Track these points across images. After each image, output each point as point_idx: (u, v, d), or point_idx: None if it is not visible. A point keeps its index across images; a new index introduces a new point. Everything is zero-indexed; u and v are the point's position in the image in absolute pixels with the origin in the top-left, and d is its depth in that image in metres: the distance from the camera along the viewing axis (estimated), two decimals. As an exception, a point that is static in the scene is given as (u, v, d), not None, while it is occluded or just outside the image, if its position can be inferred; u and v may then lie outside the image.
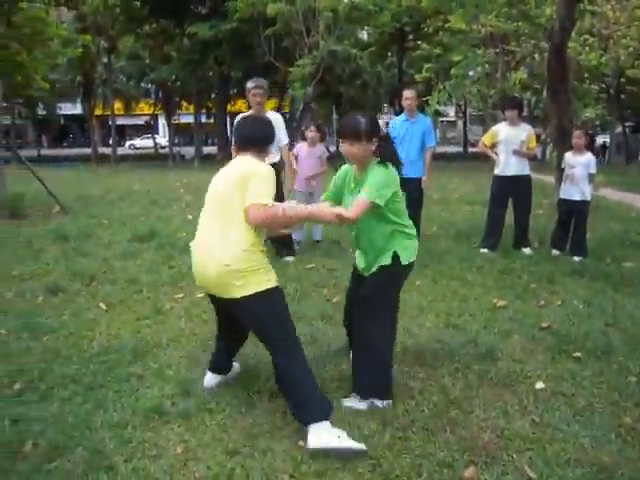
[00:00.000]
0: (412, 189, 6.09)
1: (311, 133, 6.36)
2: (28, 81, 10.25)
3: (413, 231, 2.94)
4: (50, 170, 18.16)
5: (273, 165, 5.33)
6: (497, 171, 6.09)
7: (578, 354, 3.38)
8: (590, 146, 6.00)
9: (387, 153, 2.83)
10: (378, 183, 2.70)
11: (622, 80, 22.12)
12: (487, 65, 13.58)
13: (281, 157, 5.70)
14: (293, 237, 6.25)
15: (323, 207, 2.89)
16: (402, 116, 6.29)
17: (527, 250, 5.99)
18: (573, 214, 5.83)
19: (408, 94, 6.10)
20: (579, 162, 5.73)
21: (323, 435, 2.43)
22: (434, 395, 2.91)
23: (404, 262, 2.82)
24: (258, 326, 2.65)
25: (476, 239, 6.44)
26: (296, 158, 6.32)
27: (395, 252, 2.80)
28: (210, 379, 3.02)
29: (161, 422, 2.68)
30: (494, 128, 6.27)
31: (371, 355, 2.80)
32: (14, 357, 3.40)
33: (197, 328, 3.84)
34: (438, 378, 3.09)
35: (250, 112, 5.39)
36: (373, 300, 2.82)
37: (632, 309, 4.19)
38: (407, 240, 2.87)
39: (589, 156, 5.77)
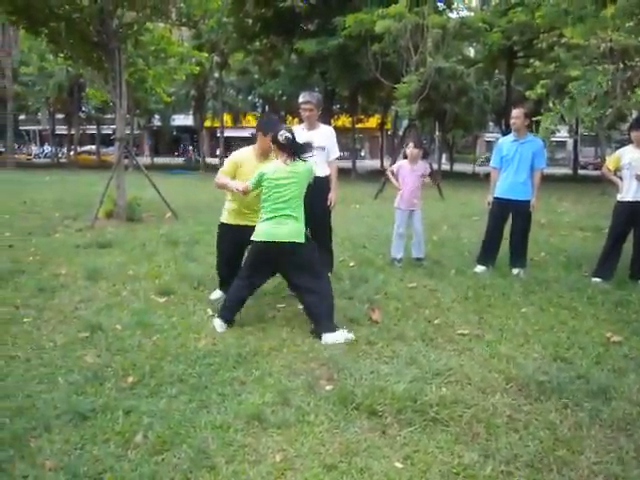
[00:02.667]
0: (520, 212, 5.87)
1: (409, 150, 6.31)
2: (149, 95, 11.02)
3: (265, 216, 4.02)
4: (163, 177, 19.33)
5: (321, 178, 5.24)
6: (619, 196, 5.72)
7: None
8: None
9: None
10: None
11: None
12: (605, 83, 12.82)
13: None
14: (392, 255, 6.24)
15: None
16: (510, 136, 6.08)
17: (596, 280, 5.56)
18: None
19: (515, 113, 5.89)
20: None
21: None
22: (540, 430, 2.76)
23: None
24: None
25: (587, 267, 6.07)
26: (397, 177, 6.33)
27: None
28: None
29: (261, 428, 2.75)
30: (619, 151, 5.89)
31: None
32: (128, 352, 3.62)
33: (298, 339, 3.90)
34: (544, 413, 2.93)
35: (301, 125, 5.51)
36: None
37: None
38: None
39: None
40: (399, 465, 2.46)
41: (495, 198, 6.03)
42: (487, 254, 6.09)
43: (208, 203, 12.08)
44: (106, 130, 39.44)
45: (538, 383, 3.22)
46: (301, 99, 5.40)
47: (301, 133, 5.49)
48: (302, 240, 4.01)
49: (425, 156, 6.53)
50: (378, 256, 6.42)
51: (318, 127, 5.45)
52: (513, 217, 5.98)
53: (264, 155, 4.50)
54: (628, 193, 5.59)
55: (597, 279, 5.64)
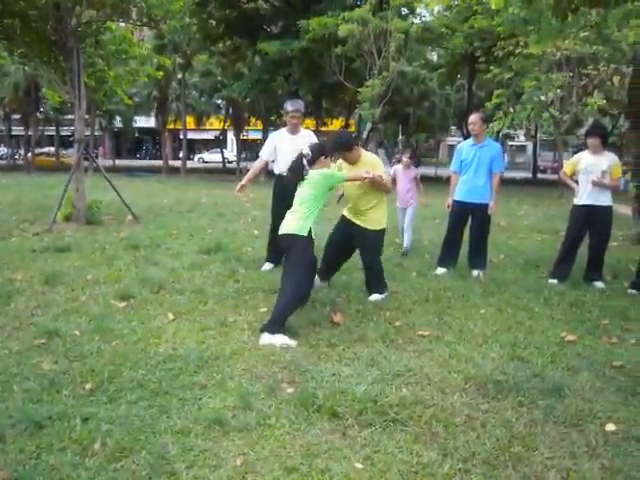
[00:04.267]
0: (479, 215, 5.99)
1: (406, 159, 7.52)
2: (110, 96, 10.82)
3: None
4: (124, 180, 19.01)
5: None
6: (575, 200, 5.89)
7: (654, 397, 3.20)
8: None
9: None
10: None
11: None
12: (560, 90, 13.24)
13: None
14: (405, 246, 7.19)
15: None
16: (469, 140, 6.21)
17: (599, 284, 5.74)
18: None
19: (472, 119, 6.02)
20: None
21: None
22: (496, 428, 2.83)
23: None
24: None
25: (544, 269, 6.25)
26: (394, 179, 7.23)
27: None
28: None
29: (222, 433, 2.73)
30: (576, 156, 6.08)
31: None
32: (86, 358, 3.55)
33: (260, 342, 3.89)
34: (501, 411, 3.01)
35: (284, 129, 6.06)
36: None
37: None
38: None
39: None
40: (359, 466, 2.48)
41: (455, 201, 6.15)
42: (447, 256, 6.20)
43: (170, 206, 11.96)
44: (65, 131, 38.58)
45: (495, 382, 3.30)
46: (290, 107, 5.85)
47: (285, 137, 5.91)
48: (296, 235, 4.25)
49: (417, 164, 7.82)
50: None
51: (300, 131, 5.96)
52: (472, 220, 6.11)
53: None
54: (583, 197, 5.77)
55: (553, 280, 5.81)
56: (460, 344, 3.94)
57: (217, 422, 2.80)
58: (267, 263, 6.05)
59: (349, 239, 5.03)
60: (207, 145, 49.57)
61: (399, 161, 7.82)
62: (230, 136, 44.33)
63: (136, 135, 49.87)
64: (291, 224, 4.29)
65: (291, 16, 21.48)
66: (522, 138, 42.85)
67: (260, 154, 6.12)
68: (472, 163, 6.00)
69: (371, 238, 4.91)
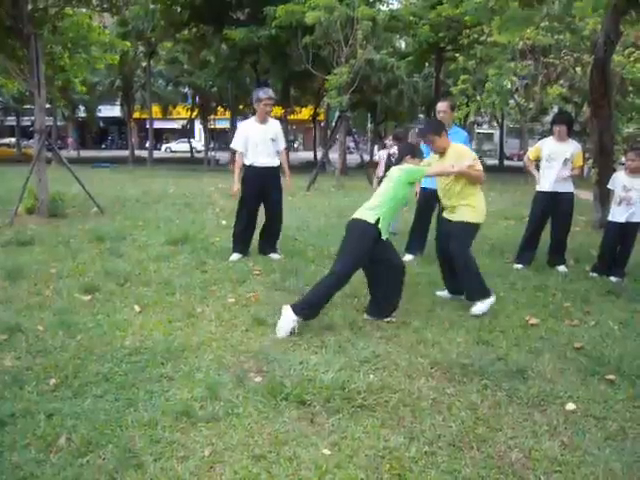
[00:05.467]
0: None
1: (389, 141, 7.79)
2: (68, 84, 10.52)
3: None
4: (89, 171, 18.65)
5: (275, 168, 5.72)
6: (538, 187, 6.00)
7: (611, 377, 3.30)
8: None
9: None
10: None
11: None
12: (524, 78, 13.43)
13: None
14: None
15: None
16: None
17: (562, 268, 5.88)
18: (624, 236, 5.63)
19: (441, 107, 6.05)
20: (636, 185, 5.49)
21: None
22: (462, 411, 2.89)
23: None
24: None
25: (510, 255, 6.36)
26: (377, 164, 7.71)
27: None
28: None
29: (189, 424, 2.73)
30: (539, 143, 6.17)
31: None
32: (50, 353, 3.49)
33: (227, 333, 3.88)
34: (466, 394, 3.07)
35: (253, 119, 6.02)
36: None
37: (670, 332, 4.08)
38: None
39: None
40: (327, 452, 2.51)
41: (423, 188, 6.21)
42: (415, 243, 6.26)
43: (137, 197, 11.78)
44: (26, 121, 37.53)
45: (461, 366, 3.37)
46: (264, 95, 5.80)
47: (255, 127, 5.86)
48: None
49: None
50: (309, 247, 6.46)
51: (268, 121, 5.93)
52: (439, 206, 6.16)
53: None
54: (546, 184, 5.88)
55: (518, 265, 5.92)
56: (427, 329, 3.99)
57: (185, 413, 2.79)
58: (235, 254, 6.02)
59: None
60: (174, 135, 48.91)
61: (384, 146, 8.01)
62: (198, 125, 43.81)
63: (101, 125, 48.92)
64: (360, 212, 4.20)
65: (257, 3, 21.21)
66: (487, 125, 43.39)
67: (234, 146, 6.00)
68: None
69: (457, 228, 4.53)
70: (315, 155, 34.18)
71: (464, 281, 4.54)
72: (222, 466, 2.42)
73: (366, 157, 23.91)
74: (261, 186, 5.90)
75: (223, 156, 32.59)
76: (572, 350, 3.72)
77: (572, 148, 5.81)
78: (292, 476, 2.35)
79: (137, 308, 4.35)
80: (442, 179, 4.62)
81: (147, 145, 30.51)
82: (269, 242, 6.18)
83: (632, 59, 13.72)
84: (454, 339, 3.83)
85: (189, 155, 38.91)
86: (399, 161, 4.42)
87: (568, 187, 5.85)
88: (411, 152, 4.43)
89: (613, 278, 5.55)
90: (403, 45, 29.74)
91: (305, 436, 2.64)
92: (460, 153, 4.50)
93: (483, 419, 2.82)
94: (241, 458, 2.47)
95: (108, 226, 7.83)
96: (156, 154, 32.53)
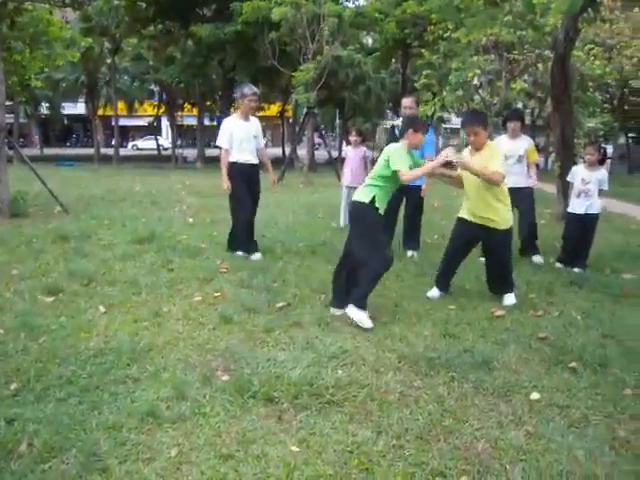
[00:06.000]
0: (412, 197, 6.10)
1: (353, 137, 7.73)
2: (24, 79, 10.21)
3: None
4: (53, 169, 18.23)
5: (253, 166, 5.69)
6: None
7: (574, 365, 3.38)
8: (602, 161, 5.83)
9: None
10: None
11: (625, 91, 22.15)
12: (488, 73, 13.62)
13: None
14: (341, 224, 7.54)
15: None
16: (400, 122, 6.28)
17: (537, 258, 5.96)
18: (583, 228, 5.77)
19: (406, 102, 6.09)
20: (593, 178, 5.65)
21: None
22: (429, 404, 2.91)
23: None
24: None
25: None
26: (343, 160, 7.75)
27: None
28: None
29: (156, 425, 2.69)
30: (495, 141, 6.24)
31: None
32: (11, 357, 3.40)
33: (194, 331, 3.84)
34: (433, 387, 3.10)
35: (235, 115, 5.99)
36: None
37: (630, 321, 4.19)
38: None
39: (603, 172, 5.70)
40: (295, 449, 2.50)
41: None
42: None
43: (102, 195, 11.56)
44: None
45: (428, 359, 3.39)
46: (249, 91, 5.81)
47: (239, 124, 5.82)
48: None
49: (363, 141, 7.93)
50: (277, 244, 6.44)
51: (249, 119, 5.91)
52: (406, 202, 6.22)
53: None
54: (507, 180, 5.94)
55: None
56: (394, 324, 4.02)
57: (151, 414, 2.75)
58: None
59: (473, 243, 4.82)
60: (141, 132, 48.11)
61: (349, 142, 8.01)
62: (164, 122, 43.20)
63: (65, 122, 47.84)
64: (358, 191, 4.25)
65: (224, -1, 21.02)
66: (455, 121, 43.81)
67: (220, 144, 5.89)
68: None
69: (500, 239, 4.58)
70: (283, 151, 34.04)
71: (503, 282, 4.69)
72: (189, 467, 2.39)
73: (334, 153, 23.94)
74: (246, 183, 5.84)
75: (191, 153, 32.22)
76: (536, 340, 3.79)
77: (525, 144, 5.95)
78: (260, 474, 2.34)
79: (102, 308, 4.27)
80: (473, 179, 4.45)
81: (113, 143, 29.95)
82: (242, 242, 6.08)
83: (592, 56, 14.05)
84: (421, 333, 3.87)
85: (156, 153, 38.34)
86: (401, 134, 4.28)
87: (526, 182, 5.95)
88: (414, 126, 4.24)
89: (576, 269, 5.68)
90: (370, 41, 29.87)
91: (273, 434, 2.63)
92: (491, 154, 4.44)
93: (450, 411, 2.86)
94: (208, 458, 2.45)
95: (72, 225, 7.66)
96: (122, 152, 31.97)
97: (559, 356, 3.51)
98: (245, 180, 5.83)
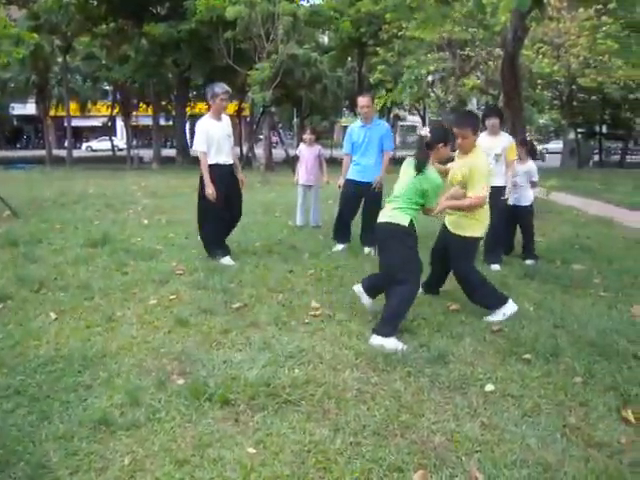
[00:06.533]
0: (372, 193, 6.13)
1: (307, 135, 7.87)
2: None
3: None
4: (2, 174, 17.61)
5: (230, 166, 5.58)
6: None
7: (527, 356, 3.45)
8: (532, 154, 6.24)
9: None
10: None
11: (573, 88, 22.85)
12: (442, 70, 13.84)
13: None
14: (297, 223, 7.65)
15: None
16: (359, 122, 6.30)
17: (530, 261, 5.96)
18: (515, 219, 6.05)
19: (363, 101, 6.10)
20: (521, 171, 5.98)
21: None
22: (386, 400, 2.93)
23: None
24: None
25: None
26: (298, 158, 7.84)
27: None
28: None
29: (108, 433, 2.62)
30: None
31: None
32: (-45, 368, 3.26)
33: (149, 335, 3.76)
34: (390, 383, 3.12)
35: (208, 116, 5.69)
36: None
37: (579, 311, 4.32)
38: None
39: (530, 164, 6.04)
40: (252, 450, 2.48)
41: (348, 180, 6.26)
42: (342, 233, 6.33)
43: (54, 199, 11.23)
44: None
45: (385, 355, 3.41)
46: (220, 90, 5.58)
47: (214, 124, 5.60)
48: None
49: (317, 139, 8.09)
50: (233, 244, 6.37)
51: (222, 118, 5.73)
52: (365, 198, 6.24)
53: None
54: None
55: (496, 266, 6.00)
56: (351, 321, 4.03)
57: (103, 422, 2.68)
58: (228, 257, 5.73)
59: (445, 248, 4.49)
60: (95, 133, 46.99)
61: (303, 141, 8.09)
62: (119, 123, 42.29)
63: (15, 123, 46.31)
64: (389, 212, 3.89)
65: (178, -3, 20.69)
66: (410, 118, 44.39)
67: (198, 148, 5.60)
68: (363, 144, 6.11)
69: (458, 246, 4.32)
70: (241, 150, 33.77)
71: (479, 299, 4.27)
72: (143, 474, 2.34)
73: (292, 152, 23.91)
74: (225, 185, 5.64)
75: (147, 154, 31.64)
76: (491, 333, 3.86)
77: (503, 142, 5.77)
78: (217, 478, 2.31)
79: (53, 315, 4.14)
80: (447, 185, 4.24)
81: (66, 144, 29.15)
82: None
83: (540, 54, 14.43)
84: (378, 329, 3.88)
85: (111, 154, 37.51)
86: (430, 147, 3.87)
87: (500, 182, 5.95)
88: (444, 139, 3.92)
89: (528, 261, 5.82)
90: (326, 40, 29.92)
91: (229, 436, 2.59)
92: (475, 163, 4.10)
93: (407, 406, 2.88)
94: (163, 464, 2.40)
95: (22, 230, 7.41)
96: (76, 153, 31.13)
97: (513, 348, 3.58)
98: (224, 182, 5.64)
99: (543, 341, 3.65)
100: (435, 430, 2.67)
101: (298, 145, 8.47)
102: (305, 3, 21.89)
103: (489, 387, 3.08)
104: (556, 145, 36.39)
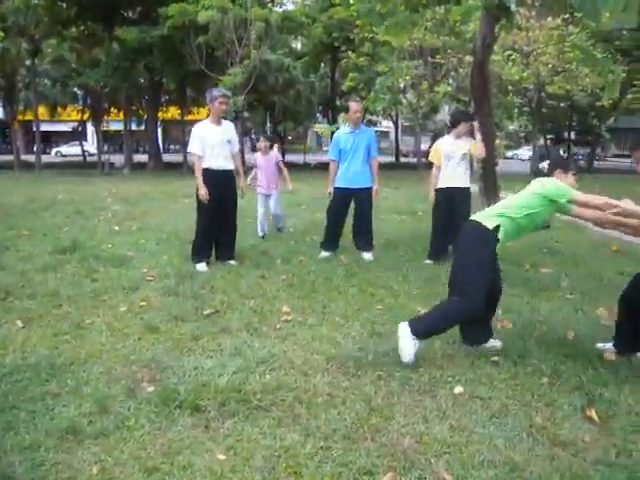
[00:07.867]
0: (363, 199, 6.17)
1: (261, 143, 7.59)
2: None
3: None
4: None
5: (227, 172, 5.54)
6: (438, 185, 6.17)
7: (496, 358, 3.50)
8: None
9: None
10: None
11: (542, 95, 23.33)
12: (412, 77, 14.01)
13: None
14: (259, 233, 7.31)
15: None
16: (346, 128, 6.30)
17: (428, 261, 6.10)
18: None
19: (354, 107, 6.09)
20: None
21: None
22: (356, 404, 2.95)
23: None
24: None
25: (403, 248, 6.58)
26: (252, 168, 7.57)
27: None
28: None
29: (76, 442, 2.58)
30: (437, 144, 6.30)
31: None
32: None
33: (118, 343, 3.72)
34: (361, 387, 3.13)
35: (207, 121, 5.72)
36: None
37: (547, 313, 4.41)
38: None
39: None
40: (222, 457, 2.47)
41: (337, 188, 6.24)
42: (332, 241, 6.31)
43: (22, 205, 11.02)
44: None
45: (356, 359, 3.43)
46: (218, 93, 5.61)
47: (211, 129, 5.58)
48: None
49: (272, 146, 7.76)
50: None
51: (222, 122, 5.70)
52: (356, 203, 6.27)
53: None
54: (444, 180, 6.09)
55: (428, 261, 6.10)
56: (322, 326, 4.05)
57: (71, 431, 2.64)
58: (203, 264, 5.70)
59: None
60: (65, 137, 46.23)
61: (255, 149, 8.00)
62: (90, 128, 41.70)
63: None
64: (481, 214, 3.63)
65: (149, 1, 20.53)
66: (384, 124, 44.78)
67: (193, 151, 5.61)
68: (351, 150, 6.12)
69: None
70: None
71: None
72: (111, 483, 2.32)
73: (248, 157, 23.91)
74: (218, 191, 5.58)
75: (118, 159, 31.28)
76: (459, 335, 3.90)
77: (467, 142, 5.97)
78: (186, 485, 2.30)
79: (20, 323, 4.06)
80: None
81: (35, 149, 28.63)
82: (227, 249, 5.92)
83: (510, 61, 14.71)
84: (349, 333, 3.91)
85: (82, 159, 36.97)
86: (550, 172, 3.77)
87: (465, 182, 6.05)
88: (562, 166, 3.72)
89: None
90: (299, 46, 30.03)
91: (200, 443, 2.58)
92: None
93: (377, 409, 2.90)
94: (132, 472, 2.37)
95: (-13, 237, 7.26)
96: (45, 158, 30.64)
97: (482, 350, 3.63)
98: (217, 187, 5.58)
99: (511, 343, 3.71)
100: (405, 433, 2.69)
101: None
102: (277, 9, 21.94)
103: (458, 389, 3.12)
104: (528, 153, 37.08)
